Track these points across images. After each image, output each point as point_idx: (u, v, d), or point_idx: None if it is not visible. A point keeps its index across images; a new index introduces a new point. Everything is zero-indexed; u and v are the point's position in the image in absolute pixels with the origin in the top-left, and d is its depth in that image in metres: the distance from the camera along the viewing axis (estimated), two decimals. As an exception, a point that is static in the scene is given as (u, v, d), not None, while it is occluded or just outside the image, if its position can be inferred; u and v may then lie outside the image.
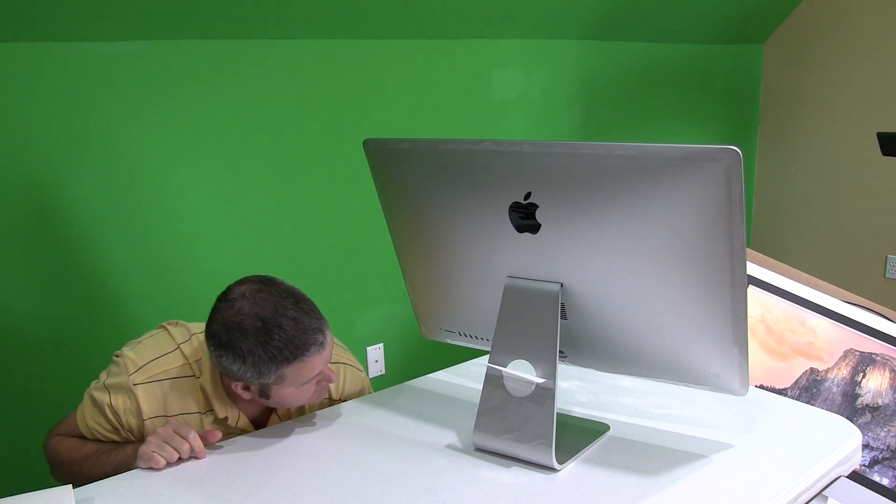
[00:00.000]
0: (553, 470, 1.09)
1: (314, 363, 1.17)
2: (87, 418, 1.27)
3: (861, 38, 3.38)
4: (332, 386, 1.36)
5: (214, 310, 1.17)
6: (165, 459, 1.14)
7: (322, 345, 1.17)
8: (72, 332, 2.06)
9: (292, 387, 1.19)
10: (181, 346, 1.28)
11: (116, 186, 2.07)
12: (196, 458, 1.16)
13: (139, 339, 1.30)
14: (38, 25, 1.86)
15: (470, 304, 1.22)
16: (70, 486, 1.03)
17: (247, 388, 1.20)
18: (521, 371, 1.14)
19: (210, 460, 1.16)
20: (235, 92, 2.23)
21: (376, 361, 2.75)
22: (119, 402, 1.23)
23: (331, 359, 1.24)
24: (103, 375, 1.28)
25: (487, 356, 1.17)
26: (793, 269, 1.94)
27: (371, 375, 2.72)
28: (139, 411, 1.23)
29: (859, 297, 1.90)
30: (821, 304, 1.76)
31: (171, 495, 1.07)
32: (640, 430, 1.21)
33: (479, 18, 2.64)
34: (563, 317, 1.11)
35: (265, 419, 1.32)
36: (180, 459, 1.15)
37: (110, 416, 1.24)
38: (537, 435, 1.09)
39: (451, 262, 1.19)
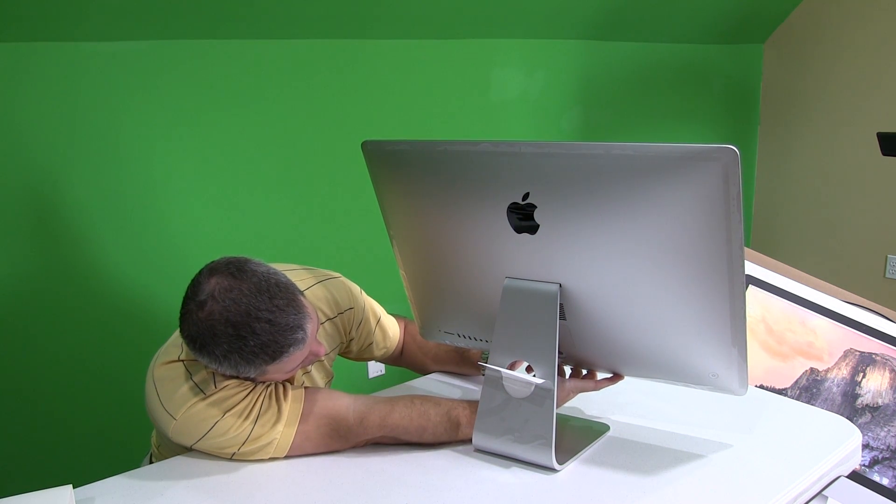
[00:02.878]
0: (553, 470, 1.09)
1: (296, 357, 1.13)
2: (243, 402, 1.14)
3: (861, 38, 3.38)
4: (324, 307, 1.33)
5: (186, 309, 1.10)
6: None
7: (302, 341, 1.12)
8: (70, 332, 2.06)
9: (278, 373, 1.15)
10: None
11: (115, 187, 2.07)
12: None
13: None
14: (37, 25, 1.86)
15: (469, 306, 1.22)
16: (70, 486, 1.03)
17: None
18: (521, 372, 1.14)
19: (210, 460, 1.16)
20: (235, 92, 2.23)
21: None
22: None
23: (317, 329, 1.18)
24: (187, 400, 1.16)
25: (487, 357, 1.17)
26: (793, 269, 1.94)
27: (371, 376, 2.71)
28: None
29: (859, 297, 1.89)
30: (821, 304, 1.76)
31: (171, 495, 1.08)
32: (640, 430, 1.21)
33: (479, 18, 2.64)
34: (562, 317, 1.11)
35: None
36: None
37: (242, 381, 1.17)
38: (537, 435, 1.10)
39: (450, 263, 1.19)
